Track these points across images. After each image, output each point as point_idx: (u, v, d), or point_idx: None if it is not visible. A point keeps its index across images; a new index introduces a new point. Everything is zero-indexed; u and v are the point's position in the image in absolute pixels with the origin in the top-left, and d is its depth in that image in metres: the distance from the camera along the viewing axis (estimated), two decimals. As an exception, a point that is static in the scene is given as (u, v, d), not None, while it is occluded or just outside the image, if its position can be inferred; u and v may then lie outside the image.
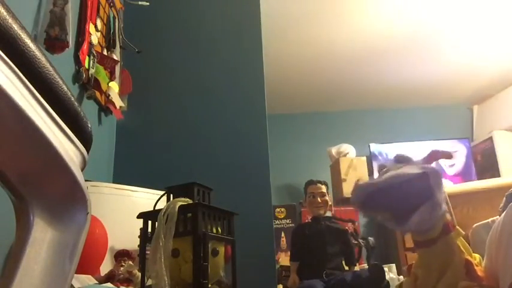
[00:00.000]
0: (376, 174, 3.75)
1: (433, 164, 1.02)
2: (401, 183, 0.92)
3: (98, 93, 1.73)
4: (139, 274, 1.16)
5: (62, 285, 0.41)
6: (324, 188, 2.03)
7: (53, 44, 1.30)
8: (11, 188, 0.39)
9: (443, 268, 0.95)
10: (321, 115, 4.68)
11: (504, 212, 1.06)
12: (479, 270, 0.92)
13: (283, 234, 3.91)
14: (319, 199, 1.96)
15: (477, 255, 1.02)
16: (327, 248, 1.72)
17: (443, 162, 4.12)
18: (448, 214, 0.99)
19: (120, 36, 2.07)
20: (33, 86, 0.37)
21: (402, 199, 0.93)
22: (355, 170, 3.91)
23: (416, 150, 4.20)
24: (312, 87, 4.28)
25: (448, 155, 1.05)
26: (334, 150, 4.19)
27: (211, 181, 1.23)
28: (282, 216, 4.04)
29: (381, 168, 1.07)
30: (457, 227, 1.00)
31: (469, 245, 1.67)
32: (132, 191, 1.57)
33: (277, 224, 3.93)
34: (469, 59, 3.86)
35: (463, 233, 0.99)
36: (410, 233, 1.04)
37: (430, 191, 0.90)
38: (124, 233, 1.32)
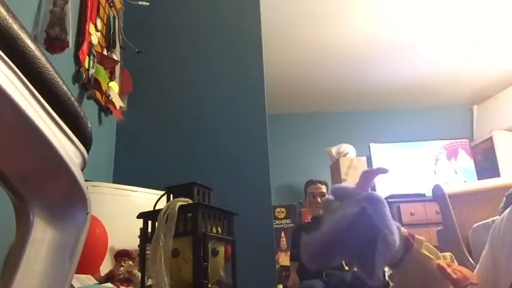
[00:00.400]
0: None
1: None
2: (344, 229, 0.88)
3: (98, 93, 1.73)
4: (139, 274, 1.16)
5: (62, 285, 0.41)
6: (324, 188, 2.03)
7: (53, 44, 1.30)
8: (11, 188, 0.39)
9: (419, 281, 0.94)
10: (321, 115, 4.68)
11: (508, 209, 1.05)
12: (453, 269, 0.91)
13: (283, 234, 3.91)
14: (319, 199, 1.96)
15: (447, 254, 0.99)
16: (326, 248, 1.72)
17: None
18: (402, 229, 0.95)
19: (120, 36, 2.07)
20: (33, 86, 0.37)
21: (353, 243, 0.89)
22: (355, 170, 3.91)
23: (416, 150, 4.23)
24: (312, 88, 4.28)
25: (382, 171, 1.00)
26: (334, 150, 4.19)
27: (211, 181, 1.23)
28: (282, 216, 4.04)
29: (326, 204, 1.04)
30: (416, 235, 0.96)
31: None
32: (132, 191, 1.57)
33: (277, 224, 3.93)
34: (468, 59, 3.86)
35: (423, 239, 0.96)
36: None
37: (375, 225, 0.86)
38: (124, 233, 1.32)
